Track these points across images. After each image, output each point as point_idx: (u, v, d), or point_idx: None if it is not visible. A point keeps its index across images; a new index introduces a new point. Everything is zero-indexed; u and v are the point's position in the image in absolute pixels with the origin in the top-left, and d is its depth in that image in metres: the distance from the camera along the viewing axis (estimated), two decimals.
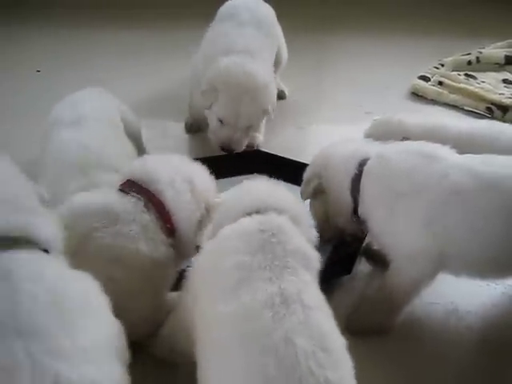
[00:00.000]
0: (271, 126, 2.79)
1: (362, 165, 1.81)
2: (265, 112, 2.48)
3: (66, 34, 3.92)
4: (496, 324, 1.90)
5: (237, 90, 2.39)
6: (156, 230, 1.59)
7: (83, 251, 1.48)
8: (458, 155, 1.74)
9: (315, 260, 1.36)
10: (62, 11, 4.15)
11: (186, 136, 2.77)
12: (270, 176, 2.43)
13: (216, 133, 2.45)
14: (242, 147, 2.47)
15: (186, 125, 2.77)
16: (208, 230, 1.55)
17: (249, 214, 1.38)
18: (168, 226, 1.62)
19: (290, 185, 2.40)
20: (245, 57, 2.48)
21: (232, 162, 2.40)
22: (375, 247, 1.98)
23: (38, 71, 3.42)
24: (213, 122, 2.47)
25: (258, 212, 1.39)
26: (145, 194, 1.60)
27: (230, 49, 2.51)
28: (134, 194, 1.60)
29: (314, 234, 1.49)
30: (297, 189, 2.37)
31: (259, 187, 1.51)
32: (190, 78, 2.74)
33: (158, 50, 3.74)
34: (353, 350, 1.23)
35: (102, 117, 2.12)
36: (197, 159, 2.12)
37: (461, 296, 1.93)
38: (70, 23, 4.03)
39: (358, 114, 3.09)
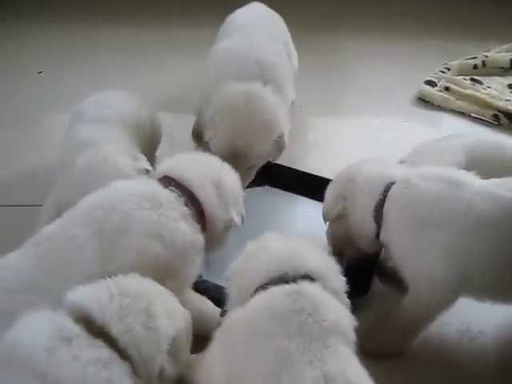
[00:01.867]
0: None
1: (386, 190, 1.78)
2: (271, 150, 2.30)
3: (68, 33, 3.84)
4: (509, 343, 1.91)
5: (237, 129, 2.20)
6: (194, 221, 1.71)
7: (126, 227, 1.57)
8: (481, 180, 1.73)
9: (351, 330, 1.34)
10: (63, 9, 4.05)
11: (193, 144, 2.72)
12: (275, 186, 2.46)
13: None
14: (246, 184, 2.24)
15: (192, 132, 2.68)
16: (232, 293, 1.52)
17: (276, 282, 1.36)
18: (202, 221, 1.74)
19: (294, 195, 2.44)
20: (256, 84, 2.26)
21: None
22: (389, 265, 1.97)
23: (40, 72, 3.37)
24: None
25: (286, 279, 1.37)
26: (183, 190, 1.72)
27: (240, 71, 2.32)
28: (174, 189, 1.71)
29: (343, 285, 1.47)
30: (300, 199, 2.40)
31: (280, 245, 1.49)
32: (203, 87, 2.55)
33: (164, 49, 3.66)
34: (366, 370, 1.27)
35: (124, 120, 2.20)
36: None
37: (473, 315, 1.92)
38: (72, 22, 3.94)
39: (363, 119, 3.08)
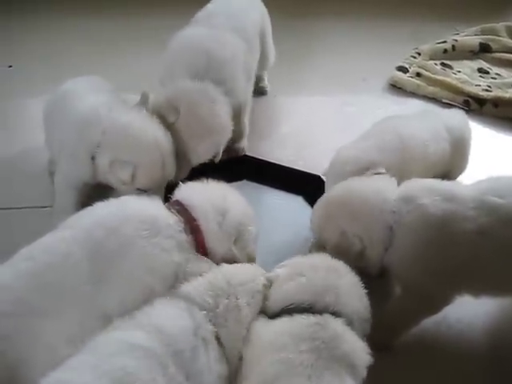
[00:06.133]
0: (254, 127, 2.75)
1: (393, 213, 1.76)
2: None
3: (40, 25, 3.75)
4: (486, 330, 1.99)
5: (192, 134, 2.20)
6: (190, 249, 1.69)
7: (121, 256, 1.57)
8: (468, 187, 1.78)
9: (362, 367, 1.36)
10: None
11: None
12: (258, 182, 2.48)
13: None
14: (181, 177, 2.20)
15: None
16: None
17: (301, 311, 1.41)
18: (201, 249, 1.72)
19: (276, 190, 2.47)
20: (208, 84, 2.22)
21: (219, 169, 2.36)
22: None
23: (10, 66, 3.31)
24: None
25: (312, 310, 1.41)
26: (186, 215, 1.72)
27: (190, 65, 2.26)
28: (176, 213, 1.71)
29: (367, 328, 1.51)
30: (282, 194, 2.43)
31: (322, 275, 1.50)
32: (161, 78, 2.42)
33: (128, 38, 3.60)
34: None
35: None
36: None
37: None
38: (44, 13, 3.85)
39: (338, 107, 3.09)
